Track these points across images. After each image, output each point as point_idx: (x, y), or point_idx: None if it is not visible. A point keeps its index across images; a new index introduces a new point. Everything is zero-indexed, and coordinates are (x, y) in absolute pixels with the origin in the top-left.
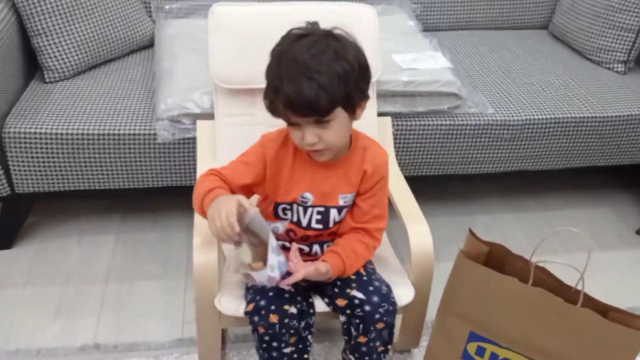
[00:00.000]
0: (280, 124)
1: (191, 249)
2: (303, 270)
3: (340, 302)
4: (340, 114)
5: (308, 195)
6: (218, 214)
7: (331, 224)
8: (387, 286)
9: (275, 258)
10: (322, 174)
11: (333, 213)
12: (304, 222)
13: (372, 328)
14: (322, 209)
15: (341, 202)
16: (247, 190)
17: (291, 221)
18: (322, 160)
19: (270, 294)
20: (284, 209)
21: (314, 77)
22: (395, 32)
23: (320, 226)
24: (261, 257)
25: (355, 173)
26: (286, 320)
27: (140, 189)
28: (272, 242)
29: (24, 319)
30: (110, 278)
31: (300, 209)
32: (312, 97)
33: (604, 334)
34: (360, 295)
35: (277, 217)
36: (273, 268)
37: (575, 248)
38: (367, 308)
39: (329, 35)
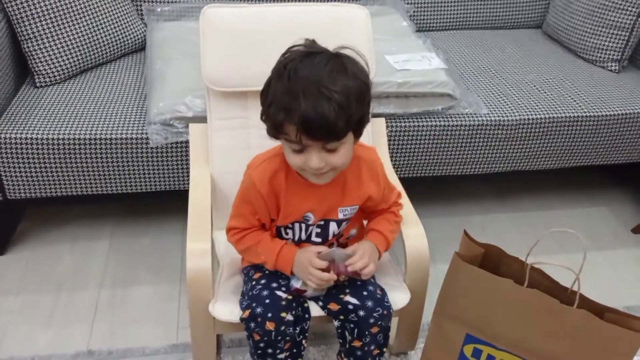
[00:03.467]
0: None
1: (185, 253)
2: (363, 263)
3: (334, 307)
4: (350, 136)
5: (310, 215)
6: (306, 274)
7: (330, 236)
8: (382, 290)
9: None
10: (318, 192)
11: (332, 227)
12: (304, 237)
13: (366, 332)
14: (321, 223)
15: (340, 216)
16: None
17: (292, 240)
18: (322, 183)
19: (267, 301)
20: (285, 228)
21: (333, 96)
22: (389, 32)
23: (319, 240)
24: None
25: (355, 187)
26: (282, 328)
27: (133, 194)
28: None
29: (17, 326)
30: (104, 284)
31: (303, 227)
32: (332, 118)
33: (601, 335)
34: (354, 300)
35: (280, 237)
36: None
37: (572, 248)
38: (361, 313)
39: (339, 54)
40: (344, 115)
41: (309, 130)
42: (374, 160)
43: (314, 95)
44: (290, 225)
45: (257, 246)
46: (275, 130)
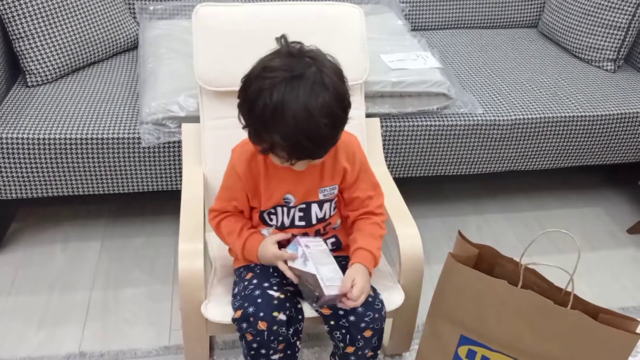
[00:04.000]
0: None
1: (178, 254)
2: (357, 291)
3: (325, 311)
4: None
5: (289, 196)
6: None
7: (314, 220)
8: (374, 291)
9: (324, 278)
10: (297, 174)
11: (314, 208)
12: (287, 223)
13: (359, 337)
14: (303, 205)
15: (321, 196)
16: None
17: (276, 227)
18: (300, 169)
19: (259, 300)
20: (269, 214)
21: (322, 126)
22: (384, 31)
23: (302, 223)
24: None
25: (331, 166)
26: (275, 327)
27: (126, 194)
28: (313, 270)
29: (8, 327)
30: (96, 285)
31: (285, 210)
32: (323, 144)
33: (594, 336)
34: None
35: (264, 223)
36: (327, 286)
37: (567, 248)
38: (352, 318)
39: (319, 68)
40: (333, 139)
41: (300, 157)
42: (352, 143)
43: (306, 129)
44: (273, 210)
45: (228, 236)
46: (265, 150)
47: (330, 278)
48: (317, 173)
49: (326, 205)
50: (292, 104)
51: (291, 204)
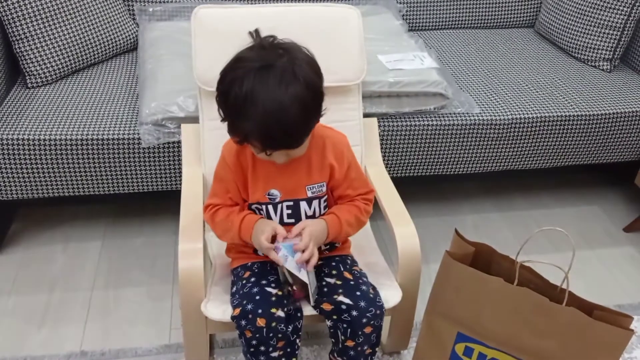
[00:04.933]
0: None
1: (177, 253)
2: (307, 236)
3: (327, 307)
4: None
5: (274, 191)
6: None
7: (303, 217)
8: (374, 289)
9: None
10: (284, 169)
11: (303, 206)
12: (276, 219)
13: (359, 332)
14: (290, 202)
15: (309, 194)
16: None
17: None
18: (280, 162)
19: (257, 297)
20: (257, 209)
21: (291, 116)
22: (381, 32)
23: (292, 220)
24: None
25: (319, 163)
26: (274, 324)
27: (125, 194)
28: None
29: (10, 327)
30: (96, 284)
31: (271, 207)
32: (294, 135)
33: (589, 333)
34: (347, 300)
35: None
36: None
37: (564, 246)
38: (354, 313)
39: (286, 56)
40: (305, 129)
41: (273, 147)
42: (341, 141)
43: (276, 117)
44: (260, 206)
45: (227, 219)
46: (241, 141)
47: (313, 284)
48: (304, 170)
49: (315, 203)
50: (262, 93)
51: (277, 200)
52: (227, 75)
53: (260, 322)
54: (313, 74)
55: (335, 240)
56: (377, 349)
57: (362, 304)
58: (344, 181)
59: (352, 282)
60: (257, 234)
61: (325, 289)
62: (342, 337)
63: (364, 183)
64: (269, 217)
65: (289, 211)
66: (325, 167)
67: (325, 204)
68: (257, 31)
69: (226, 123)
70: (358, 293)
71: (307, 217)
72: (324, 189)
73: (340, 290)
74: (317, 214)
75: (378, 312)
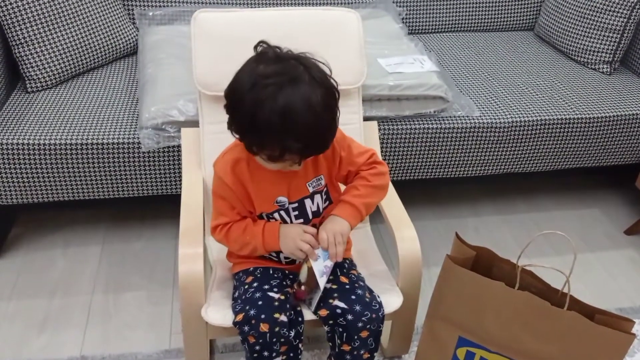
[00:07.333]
0: None
1: (178, 258)
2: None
3: (323, 313)
4: None
5: (282, 198)
6: (295, 240)
7: (310, 215)
8: (371, 293)
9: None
10: (283, 173)
11: (307, 203)
12: (288, 222)
13: (355, 337)
14: (296, 204)
15: (310, 189)
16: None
17: None
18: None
19: (260, 302)
20: (268, 217)
21: (327, 125)
22: (381, 35)
23: (300, 220)
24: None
25: (311, 159)
26: (277, 329)
27: (126, 199)
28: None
29: (10, 332)
30: (96, 289)
31: (283, 213)
32: (329, 141)
33: (591, 337)
34: (342, 304)
35: None
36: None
37: (564, 250)
38: (349, 317)
39: (301, 65)
40: (335, 131)
41: (309, 155)
42: (339, 140)
43: (314, 127)
44: (271, 215)
45: (245, 233)
46: (275, 157)
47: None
48: (302, 169)
49: (317, 197)
50: (298, 104)
51: (286, 205)
52: (247, 95)
53: (264, 327)
54: (326, 77)
55: (362, 218)
56: (375, 353)
57: (358, 308)
58: (349, 164)
59: (347, 286)
60: (287, 239)
61: (321, 294)
62: (339, 342)
63: (362, 153)
64: (282, 222)
65: (296, 212)
66: (320, 160)
67: (326, 196)
68: (264, 43)
69: (235, 135)
70: (353, 297)
71: (312, 213)
72: (322, 182)
73: (336, 295)
74: (320, 208)
75: (374, 316)
